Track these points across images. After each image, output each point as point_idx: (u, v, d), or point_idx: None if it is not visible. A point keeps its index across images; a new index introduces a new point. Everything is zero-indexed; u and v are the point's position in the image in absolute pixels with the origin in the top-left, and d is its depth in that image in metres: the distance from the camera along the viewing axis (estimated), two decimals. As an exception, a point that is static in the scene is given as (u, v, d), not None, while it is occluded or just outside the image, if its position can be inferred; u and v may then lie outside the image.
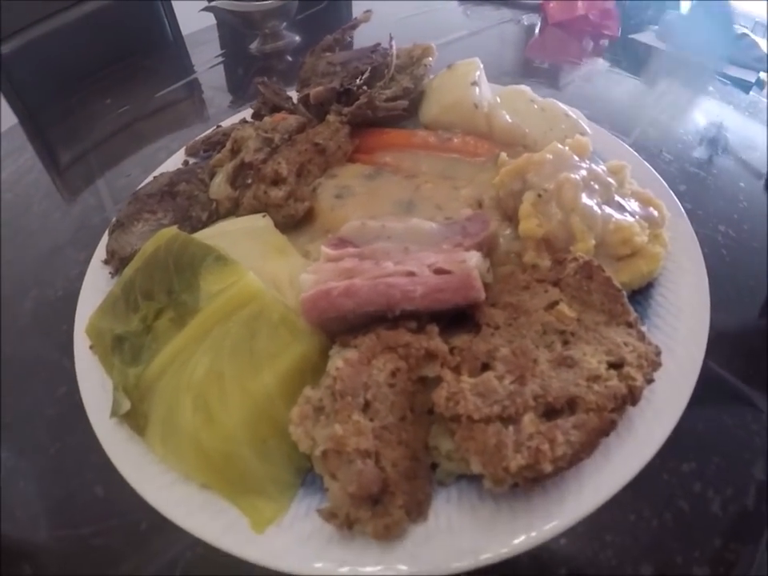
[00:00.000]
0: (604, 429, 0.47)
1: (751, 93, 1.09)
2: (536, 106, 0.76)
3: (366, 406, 0.48)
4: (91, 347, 0.69)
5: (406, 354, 0.51)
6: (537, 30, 1.36)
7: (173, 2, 1.63)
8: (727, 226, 0.75)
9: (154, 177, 0.82)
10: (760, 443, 0.62)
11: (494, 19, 1.37)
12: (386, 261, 0.56)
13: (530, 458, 0.44)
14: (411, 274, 0.54)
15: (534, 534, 0.48)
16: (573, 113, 0.76)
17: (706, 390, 0.57)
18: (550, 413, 0.48)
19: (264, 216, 0.72)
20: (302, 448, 0.49)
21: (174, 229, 0.70)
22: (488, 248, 0.60)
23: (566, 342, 0.52)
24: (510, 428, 0.46)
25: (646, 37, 1.26)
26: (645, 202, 0.65)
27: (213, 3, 1.35)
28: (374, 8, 0.96)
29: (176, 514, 0.52)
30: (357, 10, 1.74)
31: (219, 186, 0.75)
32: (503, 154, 0.69)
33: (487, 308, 0.56)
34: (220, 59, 1.50)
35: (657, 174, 0.72)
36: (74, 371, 0.66)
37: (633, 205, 0.64)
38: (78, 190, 1.13)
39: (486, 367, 0.51)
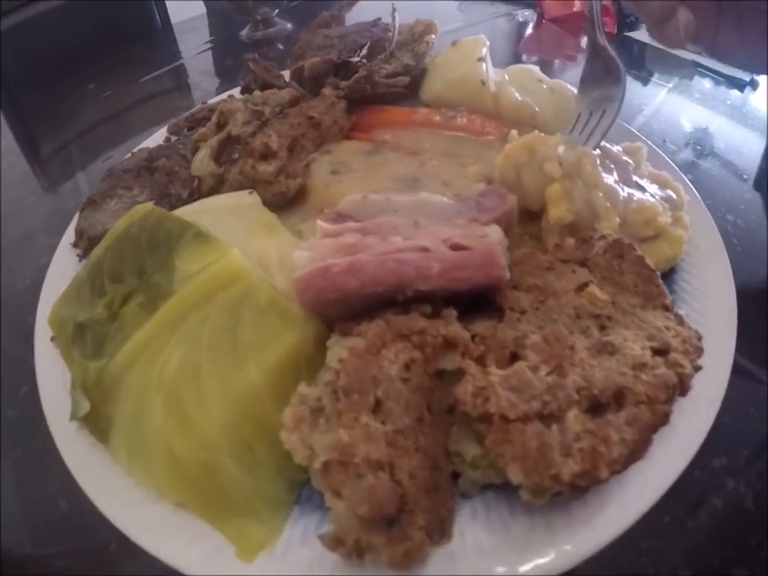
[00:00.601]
0: (657, 423, 0.37)
1: (746, 91, 1.02)
2: (545, 86, 0.66)
3: (377, 406, 0.36)
4: (52, 339, 0.55)
5: (421, 343, 0.39)
6: (532, 26, 1.27)
7: None
8: (735, 215, 0.67)
9: (132, 153, 0.68)
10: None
11: (488, 14, 1.28)
12: (394, 236, 0.44)
13: (585, 462, 0.33)
14: (424, 249, 0.42)
15: (575, 551, 0.37)
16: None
17: (730, 380, 0.48)
18: (595, 407, 0.37)
19: (251, 193, 0.59)
20: (297, 459, 0.37)
21: (148, 204, 0.57)
22: (505, 225, 0.48)
23: (602, 327, 0.42)
24: (554, 427, 0.35)
25: (640, 34, 1.19)
26: (662, 184, 0.56)
27: None
28: (367, -2, 0.85)
29: (146, 539, 0.40)
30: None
31: (202, 162, 0.62)
32: (513, 132, 0.59)
33: (509, 291, 0.44)
34: (209, 45, 1.37)
35: (668, 158, 0.63)
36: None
37: (652, 186, 0.54)
38: (58, 176, 1.00)
39: (514, 357, 0.40)
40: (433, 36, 0.72)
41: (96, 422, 0.46)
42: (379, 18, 0.74)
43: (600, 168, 0.50)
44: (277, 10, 1.33)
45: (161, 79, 1.25)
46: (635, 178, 0.54)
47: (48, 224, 0.85)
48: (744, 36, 0.49)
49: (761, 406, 0.55)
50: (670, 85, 1.06)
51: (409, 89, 0.70)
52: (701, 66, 1.09)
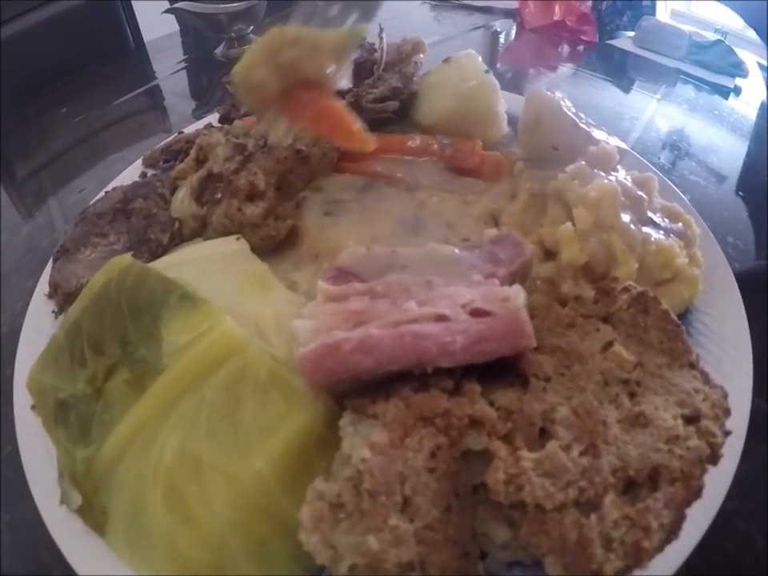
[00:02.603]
0: (691, 499, 0.37)
1: (730, 98, 1.03)
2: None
3: (405, 504, 0.34)
4: (33, 407, 0.52)
5: (446, 426, 0.37)
6: (512, 36, 1.24)
7: (134, 8, 1.42)
8: (735, 237, 0.67)
9: (106, 192, 0.62)
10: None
11: (466, 25, 1.24)
12: (407, 299, 0.41)
13: (628, 557, 0.32)
14: (443, 318, 0.39)
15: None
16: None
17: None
18: (629, 485, 0.36)
19: (238, 238, 0.55)
20: (320, 560, 0.34)
21: (126, 257, 0.52)
22: (521, 276, 0.46)
23: (632, 394, 0.40)
24: (592, 516, 0.34)
25: (622, 42, 1.18)
26: (674, 217, 0.54)
27: (177, 5, 1.19)
28: (343, 11, 0.80)
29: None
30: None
31: (182, 203, 0.57)
32: (520, 164, 0.56)
33: (531, 354, 0.42)
34: (183, 65, 1.32)
35: (674, 186, 0.62)
36: None
37: (664, 221, 0.53)
38: (28, 208, 0.94)
39: (542, 433, 0.38)
40: (421, 55, 0.68)
41: (89, 513, 0.42)
42: (364, 38, 0.69)
43: (618, 208, 0.49)
44: (252, 27, 1.28)
45: (135, 101, 1.20)
46: (649, 213, 0.53)
47: (21, 264, 0.80)
48: None
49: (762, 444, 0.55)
50: (658, 95, 1.06)
51: (396, 113, 0.66)
52: (684, 73, 1.10)
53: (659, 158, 0.84)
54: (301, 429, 0.40)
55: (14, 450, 0.57)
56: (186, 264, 0.53)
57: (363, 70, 0.65)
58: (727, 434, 0.40)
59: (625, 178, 0.54)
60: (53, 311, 0.57)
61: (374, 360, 0.37)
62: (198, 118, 0.96)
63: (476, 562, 0.38)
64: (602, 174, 0.52)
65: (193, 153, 0.60)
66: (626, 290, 0.44)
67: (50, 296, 0.57)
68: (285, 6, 1.26)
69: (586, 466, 0.35)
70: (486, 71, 0.63)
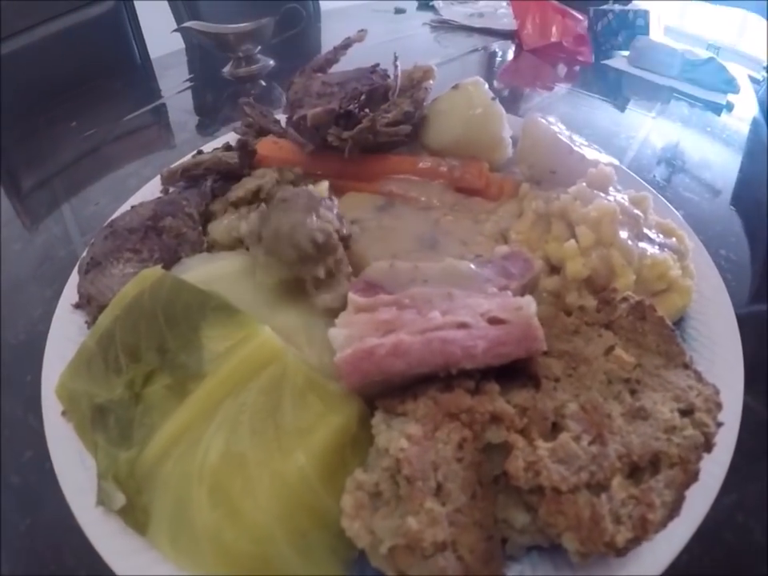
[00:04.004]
0: (689, 482, 0.45)
1: (723, 115, 1.15)
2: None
3: (438, 489, 0.41)
4: (64, 413, 0.57)
5: (470, 421, 0.45)
6: (510, 57, 1.37)
7: (141, 25, 1.54)
8: (727, 249, 0.77)
9: (132, 207, 0.70)
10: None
11: (466, 46, 1.36)
12: (431, 310, 0.49)
13: (636, 529, 0.40)
14: (465, 325, 0.47)
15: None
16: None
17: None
18: (633, 471, 0.44)
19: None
20: (360, 544, 0.41)
21: (157, 270, 0.59)
22: (530, 288, 0.55)
23: (633, 392, 0.49)
24: (602, 496, 0.42)
25: (617, 62, 1.30)
26: (667, 232, 0.64)
27: (186, 24, 1.29)
28: (345, 34, 0.91)
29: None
30: (325, 36, 1.72)
31: (226, 228, 0.65)
32: (525, 185, 0.65)
33: (542, 357, 0.50)
34: (190, 83, 1.43)
35: (670, 205, 0.71)
36: (41, 432, 0.57)
37: (660, 237, 0.62)
38: (41, 218, 1.01)
39: (554, 427, 0.46)
40: (431, 81, 0.77)
41: (132, 513, 0.48)
42: (377, 64, 0.78)
43: (617, 226, 0.58)
44: (259, 47, 1.39)
45: (144, 118, 1.29)
46: (644, 229, 0.62)
47: (38, 273, 0.87)
48: None
49: (761, 440, 0.64)
50: (653, 113, 1.18)
51: (408, 136, 0.76)
52: (677, 91, 1.22)
53: (654, 175, 0.95)
54: (338, 428, 0.47)
55: (34, 455, 0.64)
56: (215, 280, 0.60)
57: (377, 95, 0.74)
58: (719, 425, 0.48)
59: (622, 198, 0.64)
60: (85, 322, 0.63)
61: (405, 363, 0.45)
62: (207, 135, 1.05)
63: (499, 545, 0.45)
64: (602, 194, 0.62)
65: (251, 185, 0.68)
66: (624, 299, 0.53)
67: (80, 306, 0.64)
68: (292, 27, 1.38)
69: (595, 453, 0.43)
70: (493, 98, 0.72)
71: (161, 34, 1.42)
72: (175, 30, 1.35)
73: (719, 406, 0.49)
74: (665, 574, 0.54)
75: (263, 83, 1.38)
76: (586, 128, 1.04)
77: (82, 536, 0.49)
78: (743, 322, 0.65)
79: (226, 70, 1.37)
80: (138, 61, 1.53)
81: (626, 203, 0.62)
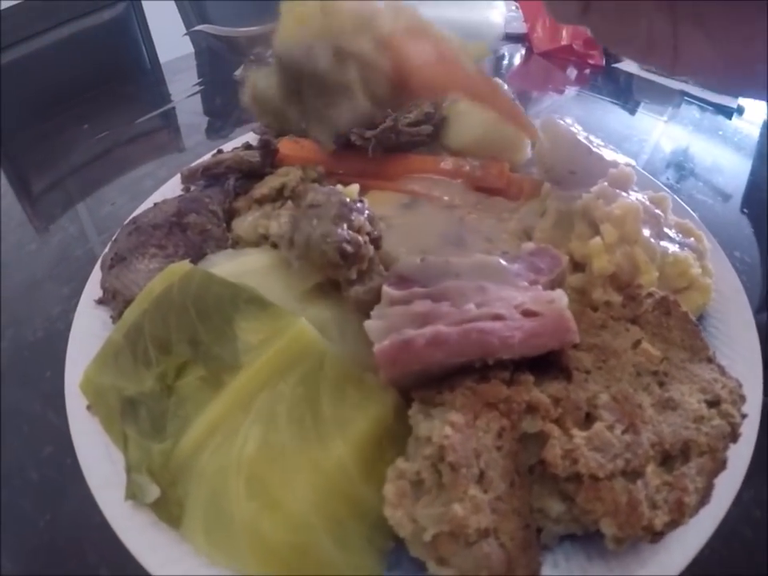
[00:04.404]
0: (718, 469, 0.47)
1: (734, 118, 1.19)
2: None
3: (480, 477, 0.43)
4: (89, 408, 0.58)
5: (508, 410, 0.47)
6: (520, 60, 1.41)
7: (150, 29, 1.57)
8: (742, 252, 0.80)
9: (155, 204, 0.71)
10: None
11: None
12: (465, 302, 0.51)
13: (673, 512, 0.42)
14: (499, 317, 0.49)
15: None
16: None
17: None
18: (665, 460, 0.47)
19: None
20: (402, 533, 0.43)
21: (185, 264, 0.61)
22: (558, 284, 0.57)
23: (661, 383, 0.51)
24: (638, 482, 0.44)
25: (628, 65, 1.34)
26: (686, 233, 0.67)
27: (198, 28, 1.30)
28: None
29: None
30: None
31: (252, 225, 0.67)
32: (547, 185, 0.68)
33: (572, 351, 0.53)
34: (200, 86, 1.46)
35: (687, 207, 0.75)
36: (61, 427, 0.58)
37: (679, 236, 0.65)
38: (56, 219, 1.03)
39: (588, 417, 0.48)
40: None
41: (166, 506, 0.49)
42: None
43: (640, 224, 0.60)
44: (271, 50, 1.39)
45: (155, 121, 1.32)
46: (665, 228, 0.65)
47: (55, 273, 0.88)
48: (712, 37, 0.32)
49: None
50: (665, 117, 1.22)
51: (429, 136, 0.78)
52: (687, 94, 1.26)
53: (668, 178, 0.99)
54: (376, 418, 0.49)
55: (54, 451, 0.65)
56: (243, 275, 0.61)
57: (397, 95, 0.77)
58: (744, 416, 0.51)
59: (643, 197, 0.67)
60: (110, 317, 0.64)
61: (444, 353, 0.47)
62: (220, 137, 1.07)
63: (535, 533, 0.47)
64: (624, 193, 0.64)
65: (275, 182, 0.70)
66: (650, 295, 0.56)
67: (104, 302, 0.65)
68: None
69: (629, 441, 0.46)
70: (512, 99, 0.75)
71: (170, 37, 1.45)
72: (186, 34, 1.37)
73: (743, 398, 0.52)
74: (686, 568, 0.57)
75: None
76: (598, 131, 1.06)
77: (103, 532, 0.50)
78: (758, 323, 0.69)
79: (238, 73, 1.39)
80: (147, 65, 1.57)
81: (647, 202, 0.65)
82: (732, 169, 1.06)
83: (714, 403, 0.50)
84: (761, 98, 0.73)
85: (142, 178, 1.07)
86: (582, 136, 0.74)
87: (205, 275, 0.58)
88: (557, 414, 0.48)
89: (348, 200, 0.58)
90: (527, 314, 0.50)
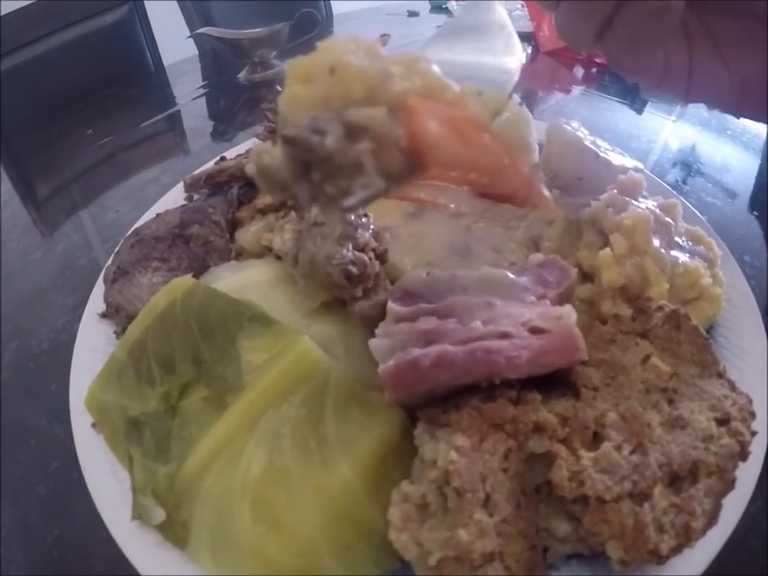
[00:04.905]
0: (726, 490, 0.47)
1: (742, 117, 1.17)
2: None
3: (486, 501, 0.43)
4: (94, 426, 0.59)
5: (515, 431, 0.46)
6: (526, 59, 1.38)
7: (154, 31, 1.57)
8: (752, 255, 0.79)
9: (158, 215, 0.71)
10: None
11: None
12: (471, 319, 0.51)
13: (680, 537, 0.42)
14: (506, 335, 0.49)
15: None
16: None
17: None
18: (673, 480, 0.46)
19: (294, 264, 0.63)
20: (408, 556, 0.43)
21: (188, 279, 0.61)
22: (567, 297, 0.56)
23: (670, 401, 0.51)
24: (645, 505, 0.44)
25: None
26: (696, 240, 0.66)
27: (201, 30, 1.32)
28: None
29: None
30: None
31: (254, 236, 0.66)
32: (555, 192, 0.67)
33: (580, 367, 0.52)
34: (204, 89, 1.46)
35: (695, 210, 0.73)
36: (67, 442, 0.58)
37: (689, 245, 0.64)
38: (60, 226, 1.03)
39: (596, 436, 0.48)
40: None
41: (171, 528, 0.49)
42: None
43: (651, 234, 0.59)
44: (275, 52, 1.41)
45: (159, 125, 1.31)
46: (675, 237, 0.64)
47: (59, 282, 0.88)
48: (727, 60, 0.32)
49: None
50: (673, 117, 1.20)
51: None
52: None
53: (677, 180, 0.97)
54: (382, 439, 0.49)
55: (62, 466, 0.65)
56: (247, 289, 0.61)
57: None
58: (754, 433, 0.50)
59: (652, 204, 0.66)
60: (114, 332, 0.65)
61: (450, 373, 0.47)
62: (225, 141, 1.06)
63: (541, 553, 0.47)
64: (633, 201, 0.63)
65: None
66: (660, 308, 0.55)
67: (107, 316, 0.65)
68: (307, 32, 1.39)
69: (637, 462, 0.45)
70: (520, 104, 0.74)
71: (174, 40, 1.44)
72: (190, 36, 1.37)
73: (753, 415, 0.51)
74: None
75: (279, 88, 1.39)
76: (605, 131, 1.06)
77: (111, 548, 0.51)
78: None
79: (242, 75, 1.40)
80: (151, 68, 1.57)
81: (657, 210, 0.64)
82: (740, 168, 1.05)
83: (723, 421, 0.49)
84: None
85: (146, 184, 1.07)
86: (588, 141, 0.73)
87: (208, 291, 0.58)
88: (564, 434, 0.48)
89: (353, 217, 0.57)
90: (535, 331, 0.50)
